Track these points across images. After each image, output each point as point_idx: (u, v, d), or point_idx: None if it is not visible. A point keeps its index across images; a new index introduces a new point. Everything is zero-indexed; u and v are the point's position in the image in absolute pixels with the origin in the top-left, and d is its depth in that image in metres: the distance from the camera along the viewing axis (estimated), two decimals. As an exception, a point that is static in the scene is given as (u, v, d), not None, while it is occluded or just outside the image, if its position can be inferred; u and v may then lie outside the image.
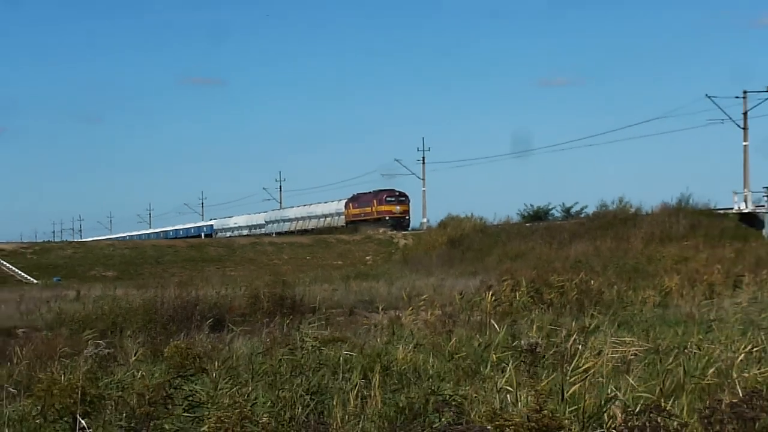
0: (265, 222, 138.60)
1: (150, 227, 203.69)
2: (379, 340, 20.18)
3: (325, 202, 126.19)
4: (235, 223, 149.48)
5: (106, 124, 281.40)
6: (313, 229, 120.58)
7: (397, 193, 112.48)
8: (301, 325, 23.43)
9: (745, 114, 79.80)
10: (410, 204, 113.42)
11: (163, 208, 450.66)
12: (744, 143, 79.30)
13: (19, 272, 73.28)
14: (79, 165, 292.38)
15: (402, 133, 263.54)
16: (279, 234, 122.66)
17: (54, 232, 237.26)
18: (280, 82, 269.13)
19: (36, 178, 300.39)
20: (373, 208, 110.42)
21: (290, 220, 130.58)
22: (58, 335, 27.89)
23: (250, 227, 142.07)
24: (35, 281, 67.15)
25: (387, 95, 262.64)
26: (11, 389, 15.69)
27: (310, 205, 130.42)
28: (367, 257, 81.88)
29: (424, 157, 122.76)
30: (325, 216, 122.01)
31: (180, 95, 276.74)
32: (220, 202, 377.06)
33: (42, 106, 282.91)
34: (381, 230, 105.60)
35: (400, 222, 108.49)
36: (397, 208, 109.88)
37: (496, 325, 22.58)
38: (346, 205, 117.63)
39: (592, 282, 39.23)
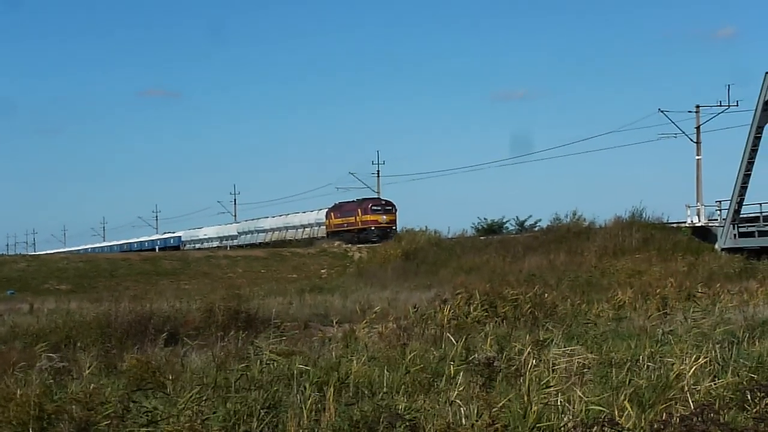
0: (238, 233, 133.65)
1: (104, 240, 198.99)
2: (333, 353, 20.14)
3: (304, 212, 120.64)
4: (205, 235, 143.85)
5: (62, 137, 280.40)
6: (291, 240, 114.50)
7: (383, 202, 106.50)
8: (256, 339, 23.42)
9: (697, 128, 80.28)
10: (397, 213, 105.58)
11: (117, 222, 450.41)
12: (697, 157, 79.76)
13: (-26, 284, 72.77)
14: (34, 177, 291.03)
15: (358, 147, 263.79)
16: (253, 245, 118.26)
17: (8, 245, 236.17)
18: (235, 96, 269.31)
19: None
20: (358, 218, 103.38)
21: (266, 230, 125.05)
22: (11, 348, 27.78)
23: (221, 238, 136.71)
24: (-10, 294, 66.67)
25: (343, 109, 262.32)
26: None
27: (287, 215, 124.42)
28: (322, 270, 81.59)
29: (378, 171, 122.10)
30: (304, 226, 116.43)
31: (136, 109, 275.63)
32: (175, 216, 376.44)
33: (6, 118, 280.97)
34: (336, 243, 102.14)
35: (387, 232, 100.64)
36: (384, 218, 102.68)
37: (451, 338, 22.71)
38: (328, 215, 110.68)
39: (546, 295, 39.32)
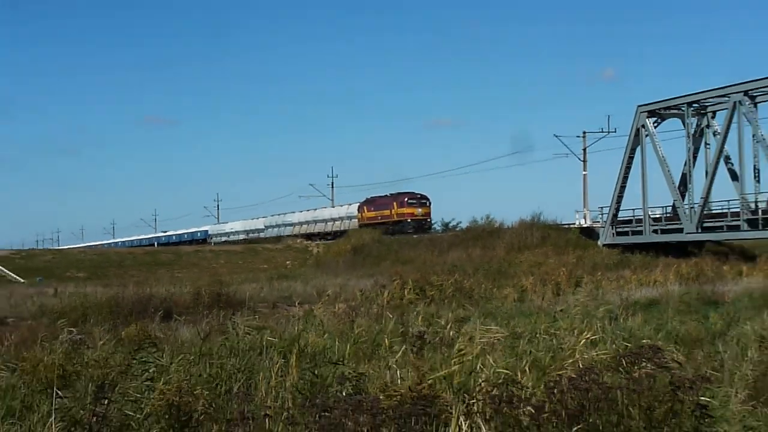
0: (265, 227, 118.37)
1: (113, 238, 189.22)
2: (295, 328, 20.06)
3: (333, 207, 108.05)
4: (231, 228, 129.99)
5: (81, 156, 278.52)
6: (319, 233, 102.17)
7: (419, 196, 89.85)
8: (234, 316, 23.33)
9: (584, 150, 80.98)
10: (431, 207, 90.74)
11: (124, 222, 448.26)
12: (584, 173, 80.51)
13: (10, 273, 72.24)
14: (58, 187, 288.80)
15: (317, 164, 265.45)
16: (279, 238, 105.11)
17: (37, 241, 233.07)
18: (219, 123, 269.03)
19: (24, 199, 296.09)
20: (393, 211, 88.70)
21: (293, 224, 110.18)
22: (39, 323, 27.60)
23: (247, 232, 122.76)
24: (22, 281, 66.23)
25: (306, 134, 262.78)
26: (2, 367, 15.39)
27: (316, 209, 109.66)
28: (288, 262, 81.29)
29: (333, 183, 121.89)
30: (334, 219, 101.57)
31: (138, 131, 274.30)
32: (170, 218, 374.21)
33: (29, 142, 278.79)
34: (298, 240, 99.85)
35: (422, 224, 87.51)
36: (419, 211, 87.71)
37: (390, 315, 22.71)
38: (360, 209, 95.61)
39: (465, 282, 39.54)
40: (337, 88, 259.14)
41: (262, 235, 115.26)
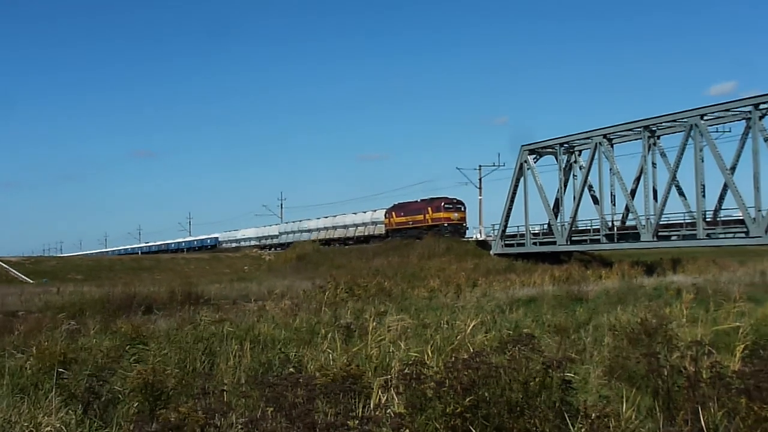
0: (279, 233, 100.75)
1: (139, 242, 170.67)
2: (250, 320, 19.90)
3: (355, 213, 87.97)
4: (243, 235, 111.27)
5: (81, 181, 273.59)
6: (339, 238, 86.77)
7: (455, 201, 74.68)
8: (201, 310, 23.13)
9: (480, 179, 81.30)
10: (466, 212, 75.51)
11: (114, 234, 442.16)
12: (479, 197, 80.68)
13: (21, 275, 71.23)
14: (61, 207, 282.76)
15: (269, 187, 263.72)
16: (290, 244, 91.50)
17: (43, 250, 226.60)
18: (196, 153, 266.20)
19: (33, 215, 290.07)
20: (428, 216, 74.30)
21: (311, 230, 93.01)
22: (44, 316, 27.14)
23: (259, 238, 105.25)
24: (31, 281, 65.32)
25: (259, 162, 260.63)
26: (13, 351, 15.08)
27: (336, 216, 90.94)
28: (245, 267, 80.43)
29: (282, 204, 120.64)
30: (356, 225, 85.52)
31: (130, 162, 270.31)
32: (151, 231, 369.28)
33: (39, 168, 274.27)
34: (254, 250, 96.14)
35: (458, 228, 73.32)
36: (455, 215, 73.12)
37: (326, 310, 22.62)
38: (388, 214, 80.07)
39: (386, 283, 39.54)
40: (295, 125, 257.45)
41: (275, 241, 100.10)
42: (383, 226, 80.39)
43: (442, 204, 73.77)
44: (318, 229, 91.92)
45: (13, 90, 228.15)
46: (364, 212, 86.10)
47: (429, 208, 74.71)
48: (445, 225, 72.29)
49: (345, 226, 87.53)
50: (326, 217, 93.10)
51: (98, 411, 9.59)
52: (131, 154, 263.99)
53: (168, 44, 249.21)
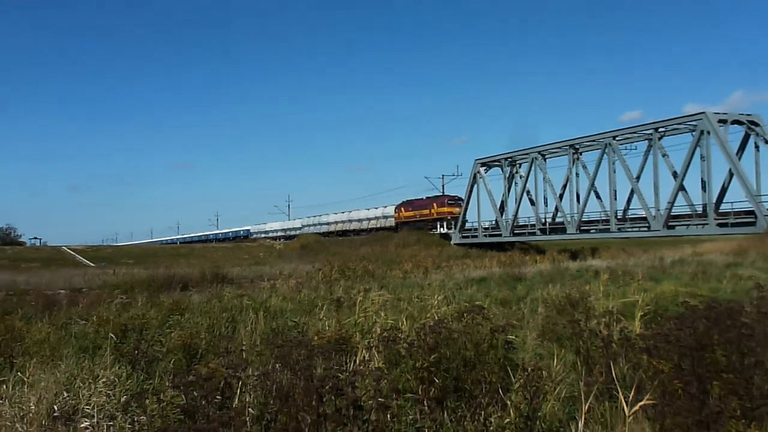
0: (302, 226, 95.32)
1: (152, 237, 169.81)
2: (264, 295, 19.85)
3: (368, 209, 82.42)
4: (271, 228, 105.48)
5: (132, 185, 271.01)
6: (354, 230, 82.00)
7: (456, 198, 70.62)
8: (226, 288, 23.05)
9: (443, 186, 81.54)
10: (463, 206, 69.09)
11: (159, 227, 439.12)
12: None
13: (85, 260, 70.76)
14: (116, 206, 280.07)
15: (277, 191, 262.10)
16: (322, 234, 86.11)
17: (102, 240, 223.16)
18: (225, 163, 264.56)
19: (94, 213, 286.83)
20: (433, 210, 70.31)
21: (329, 223, 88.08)
22: (102, 292, 27.01)
23: (285, 230, 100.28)
24: (92, 265, 64.82)
25: (273, 170, 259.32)
26: (78, 319, 14.95)
27: (351, 211, 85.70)
28: (261, 254, 79.93)
29: (289, 204, 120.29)
30: (369, 219, 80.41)
31: (169, 171, 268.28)
32: (187, 225, 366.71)
33: (100, 176, 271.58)
34: (268, 241, 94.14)
35: (457, 220, 68.02)
36: (456, 210, 68.52)
37: (323, 287, 22.58)
38: (397, 210, 75.93)
39: (370, 267, 39.52)
40: (299, 139, 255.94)
41: (298, 233, 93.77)
42: (393, 219, 76.87)
43: (446, 200, 71.02)
44: (336, 222, 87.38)
45: (81, 113, 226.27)
46: (376, 208, 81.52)
47: (434, 204, 71.40)
48: (448, 218, 69.10)
49: (359, 220, 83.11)
50: (342, 212, 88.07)
51: (144, 366, 9.52)
52: (171, 165, 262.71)
53: (194, 78, 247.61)
